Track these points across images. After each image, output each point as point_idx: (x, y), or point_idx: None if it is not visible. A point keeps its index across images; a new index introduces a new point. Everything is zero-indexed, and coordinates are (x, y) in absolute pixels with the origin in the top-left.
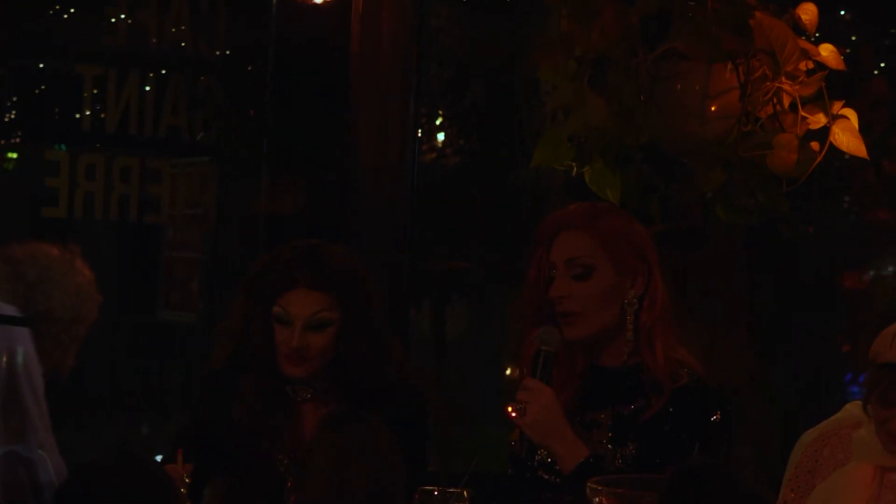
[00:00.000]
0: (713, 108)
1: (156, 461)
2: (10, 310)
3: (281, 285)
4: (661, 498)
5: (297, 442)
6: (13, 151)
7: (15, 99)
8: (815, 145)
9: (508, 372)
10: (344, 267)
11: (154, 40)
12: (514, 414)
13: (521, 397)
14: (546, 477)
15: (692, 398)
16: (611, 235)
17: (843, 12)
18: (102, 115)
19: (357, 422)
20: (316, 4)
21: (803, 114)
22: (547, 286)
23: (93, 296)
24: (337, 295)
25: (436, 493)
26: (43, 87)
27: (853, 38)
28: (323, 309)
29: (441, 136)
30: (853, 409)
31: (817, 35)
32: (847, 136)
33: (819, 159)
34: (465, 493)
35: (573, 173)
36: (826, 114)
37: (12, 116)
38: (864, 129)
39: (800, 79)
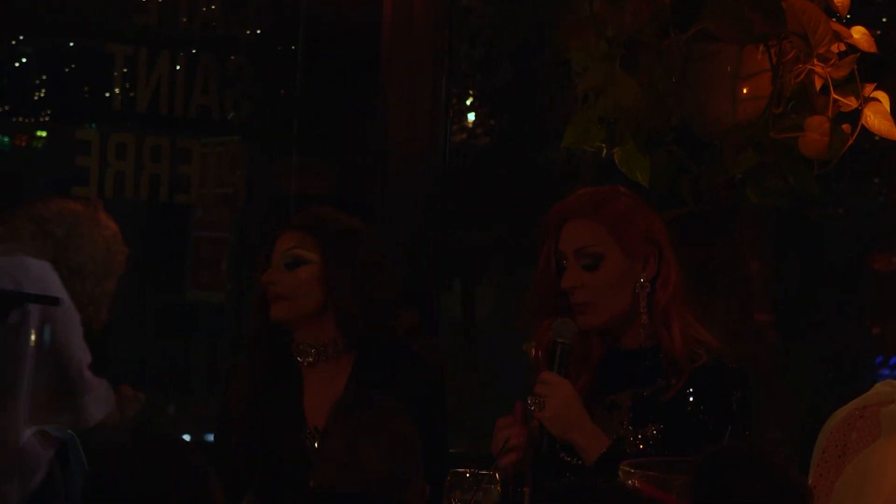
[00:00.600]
0: (744, 90)
1: (186, 441)
2: (40, 266)
3: (274, 237)
4: (692, 480)
5: (312, 411)
6: (42, 130)
7: (45, 77)
8: (846, 128)
9: (524, 347)
10: (329, 216)
11: (184, 20)
12: (532, 407)
13: (539, 391)
14: (568, 459)
15: (713, 378)
16: (617, 221)
17: None
18: (132, 95)
19: (370, 404)
20: None
21: (835, 96)
22: (557, 277)
23: (120, 248)
24: (316, 236)
25: (468, 474)
26: (73, 66)
27: (885, 21)
28: (296, 246)
29: (471, 117)
30: (882, 387)
31: (849, 17)
32: (878, 118)
33: (850, 142)
34: (496, 474)
35: (603, 155)
36: (857, 96)
37: (42, 95)
38: None
39: (831, 61)
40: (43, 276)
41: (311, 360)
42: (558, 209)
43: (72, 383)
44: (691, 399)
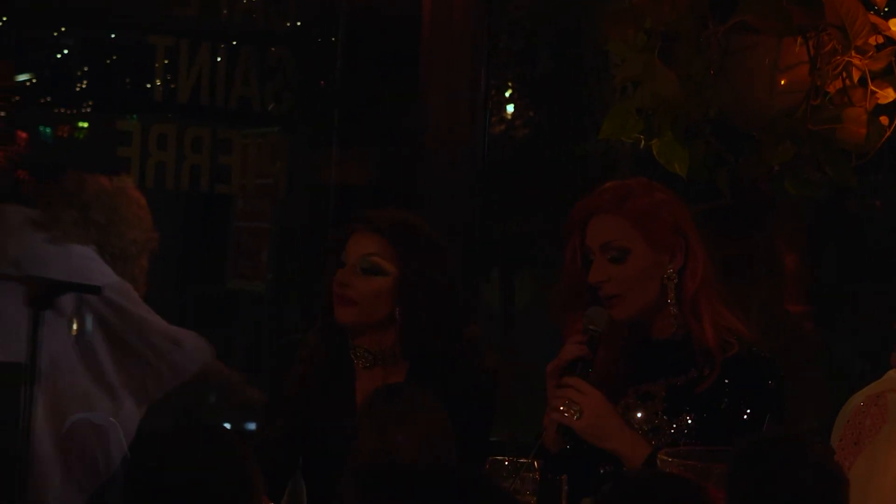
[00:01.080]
0: (783, 82)
1: (227, 428)
2: (84, 252)
3: (349, 230)
4: (730, 468)
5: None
6: (84, 121)
7: (86, 69)
8: (884, 119)
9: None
10: (415, 229)
11: (225, 11)
12: (566, 415)
13: (572, 396)
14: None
15: (747, 368)
16: (642, 215)
17: None
18: (173, 86)
19: (404, 393)
20: None
21: (873, 88)
22: (584, 272)
23: (150, 223)
24: (395, 247)
25: (506, 462)
26: (115, 58)
27: None
28: (376, 253)
29: (510, 108)
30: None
31: (887, 9)
32: None
33: (888, 133)
34: (535, 463)
35: (641, 146)
36: (895, 88)
37: (84, 86)
38: None
39: (869, 53)
40: (88, 263)
41: (367, 364)
42: (583, 205)
43: (154, 346)
44: (727, 390)
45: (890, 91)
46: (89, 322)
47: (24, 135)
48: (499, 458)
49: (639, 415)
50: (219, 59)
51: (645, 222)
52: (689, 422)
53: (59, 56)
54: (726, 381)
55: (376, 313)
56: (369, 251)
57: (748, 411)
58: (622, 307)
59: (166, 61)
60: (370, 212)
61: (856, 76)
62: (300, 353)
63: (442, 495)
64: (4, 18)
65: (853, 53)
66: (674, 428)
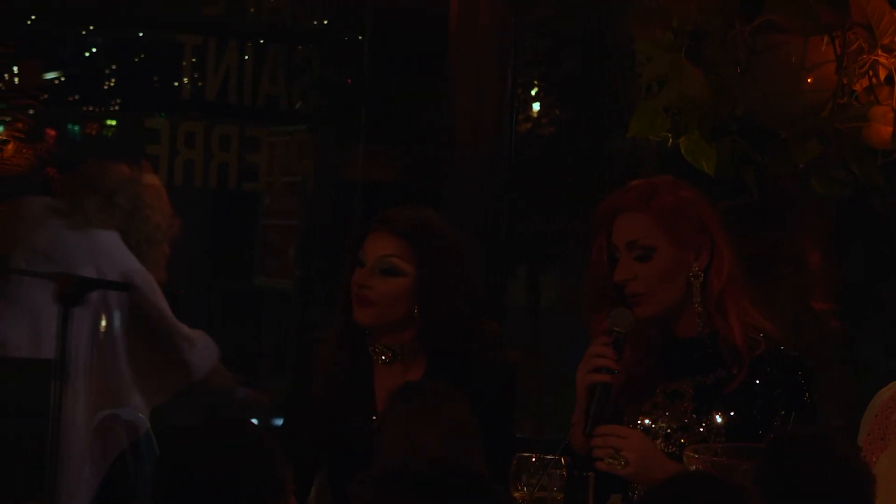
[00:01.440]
0: (809, 81)
1: (255, 424)
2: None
3: (366, 229)
4: (758, 464)
5: (382, 400)
6: (113, 119)
7: (114, 67)
8: None
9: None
10: (429, 224)
11: (252, 10)
12: (614, 466)
13: (614, 445)
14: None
15: (776, 367)
16: (667, 213)
17: None
18: (201, 84)
19: (427, 391)
20: None
21: None
22: (610, 270)
23: (172, 212)
24: (414, 247)
25: (533, 459)
26: (143, 57)
27: None
28: (394, 254)
29: (536, 106)
30: None
31: None
32: None
33: None
34: (562, 460)
35: (668, 144)
36: None
37: (112, 85)
38: None
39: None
40: (112, 247)
41: (387, 360)
42: (609, 203)
43: (169, 342)
44: (756, 389)
45: None
46: (113, 315)
47: (52, 132)
48: (526, 454)
49: (667, 413)
50: (246, 57)
51: (670, 220)
52: (719, 421)
53: (87, 54)
54: (756, 380)
55: (395, 313)
56: (387, 252)
57: (779, 411)
58: (647, 305)
59: (194, 60)
60: (388, 212)
61: (882, 74)
62: (319, 351)
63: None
64: (33, 17)
65: (879, 52)
66: (703, 427)
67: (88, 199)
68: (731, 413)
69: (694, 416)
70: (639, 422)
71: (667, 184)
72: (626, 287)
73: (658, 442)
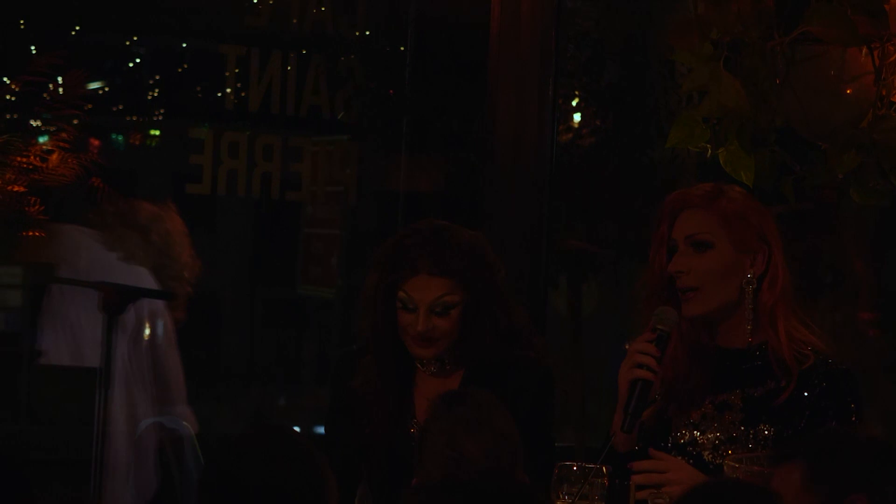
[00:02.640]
0: (848, 92)
1: (300, 433)
2: (149, 278)
3: (404, 271)
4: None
5: (421, 407)
6: (156, 129)
7: (158, 77)
8: None
9: (627, 346)
10: (467, 252)
11: (295, 21)
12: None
13: (657, 481)
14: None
15: (825, 381)
16: (730, 214)
17: None
18: (244, 94)
19: (468, 399)
20: None
21: None
22: (667, 263)
23: (194, 253)
24: (460, 279)
25: (575, 468)
26: (186, 67)
27: None
28: (445, 294)
29: (577, 117)
30: None
31: None
32: None
33: None
34: (603, 468)
35: (708, 155)
36: None
37: (155, 94)
38: None
39: None
40: (145, 282)
41: (434, 370)
42: (675, 198)
43: (174, 381)
44: (806, 402)
45: None
46: (155, 328)
47: (96, 142)
48: (567, 463)
49: (716, 424)
50: (289, 67)
51: (732, 221)
52: (767, 433)
53: (131, 64)
54: (805, 393)
55: (451, 340)
56: (438, 294)
57: (828, 424)
58: (696, 303)
59: (237, 70)
60: (415, 253)
61: None
62: (360, 365)
63: None
64: (78, 27)
65: None
66: (752, 439)
67: (127, 234)
68: (780, 425)
69: (742, 427)
70: (685, 433)
71: (737, 190)
72: (679, 280)
73: (706, 454)
